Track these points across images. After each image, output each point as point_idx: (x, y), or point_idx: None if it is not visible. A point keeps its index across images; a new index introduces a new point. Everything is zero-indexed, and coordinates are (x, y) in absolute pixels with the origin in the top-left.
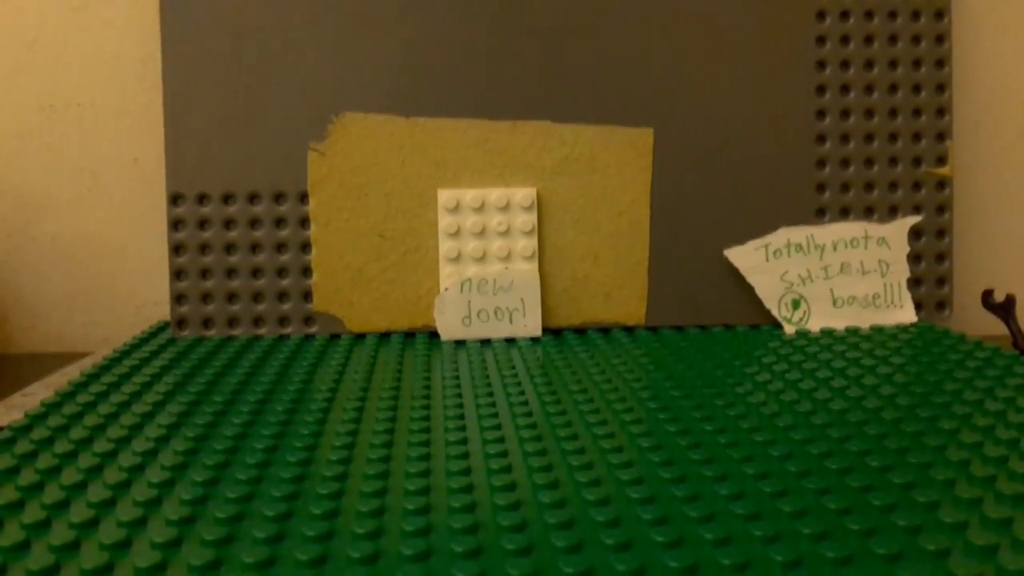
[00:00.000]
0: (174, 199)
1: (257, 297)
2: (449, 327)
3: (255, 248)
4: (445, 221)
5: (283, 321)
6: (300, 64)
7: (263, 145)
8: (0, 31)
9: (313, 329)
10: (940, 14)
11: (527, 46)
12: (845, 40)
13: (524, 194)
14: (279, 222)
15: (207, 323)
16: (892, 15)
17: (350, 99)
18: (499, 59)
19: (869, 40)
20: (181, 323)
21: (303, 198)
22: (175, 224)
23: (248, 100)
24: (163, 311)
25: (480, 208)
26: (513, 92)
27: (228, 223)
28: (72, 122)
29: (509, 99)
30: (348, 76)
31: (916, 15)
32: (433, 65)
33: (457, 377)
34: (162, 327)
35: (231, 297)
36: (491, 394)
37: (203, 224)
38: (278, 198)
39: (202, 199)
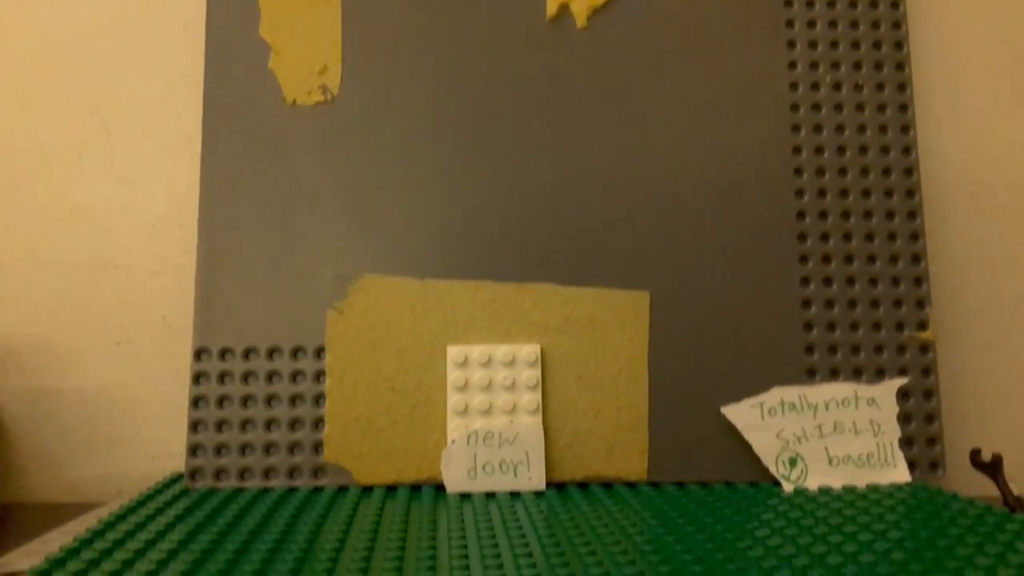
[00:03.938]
0: (198, 354)
1: (269, 449)
2: (455, 480)
3: (271, 401)
4: (454, 375)
5: (293, 473)
6: (324, 230)
7: (286, 304)
8: (48, 197)
9: (322, 481)
10: (911, 192)
11: (531, 214)
12: (823, 215)
13: (529, 350)
14: (295, 376)
15: (219, 475)
16: (867, 192)
17: (369, 262)
18: (506, 226)
19: (846, 215)
20: (194, 474)
21: (320, 353)
22: (197, 378)
23: (275, 263)
24: (177, 462)
25: (487, 363)
26: (519, 256)
27: (247, 376)
28: (108, 282)
29: (515, 263)
30: (367, 241)
31: (889, 193)
32: (445, 232)
33: (463, 531)
34: (175, 478)
35: (244, 449)
36: (496, 545)
37: (223, 377)
38: (296, 353)
39: (225, 354)
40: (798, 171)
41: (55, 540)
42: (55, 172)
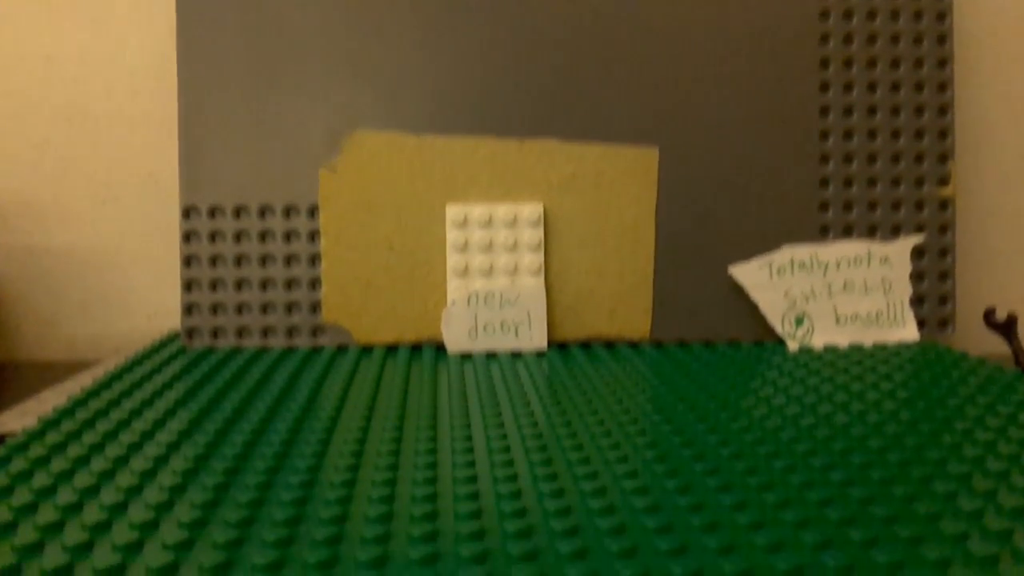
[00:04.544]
0: (187, 212)
1: (266, 308)
2: (455, 340)
3: (265, 260)
4: (453, 235)
5: (291, 332)
6: (313, 82)
7: (276, 160)
8: (18, 45)
9: (321, 341)
10: (943, 39)
11: (534, 66)
12: (848, 63)
13: (531, 209)
14: (289, 235)
15: (216, 334)
16: (895, 39)
17: (361, 117)
18: (507, 78)
19: (872, 63)
20: (191, 333)
21: (313, 212)
22: (187, 236)
23: (262, 117)
24: (174, 321)
25: (488, 223)
26: (520, 111)
27: (239, 236)
28: (89, 135)
29: (516, 118)
30: (360, 95)
31: (919, 40)
32: (443, 84)
33: (464, 389)
34: (173, 337)
35: (241, 308)
36: (497, 404)
37: (215, 236)
38: (288, 212)
39: (214, 212)
40: (824, 15)
41: (49, 399)
42: (23, 18)
